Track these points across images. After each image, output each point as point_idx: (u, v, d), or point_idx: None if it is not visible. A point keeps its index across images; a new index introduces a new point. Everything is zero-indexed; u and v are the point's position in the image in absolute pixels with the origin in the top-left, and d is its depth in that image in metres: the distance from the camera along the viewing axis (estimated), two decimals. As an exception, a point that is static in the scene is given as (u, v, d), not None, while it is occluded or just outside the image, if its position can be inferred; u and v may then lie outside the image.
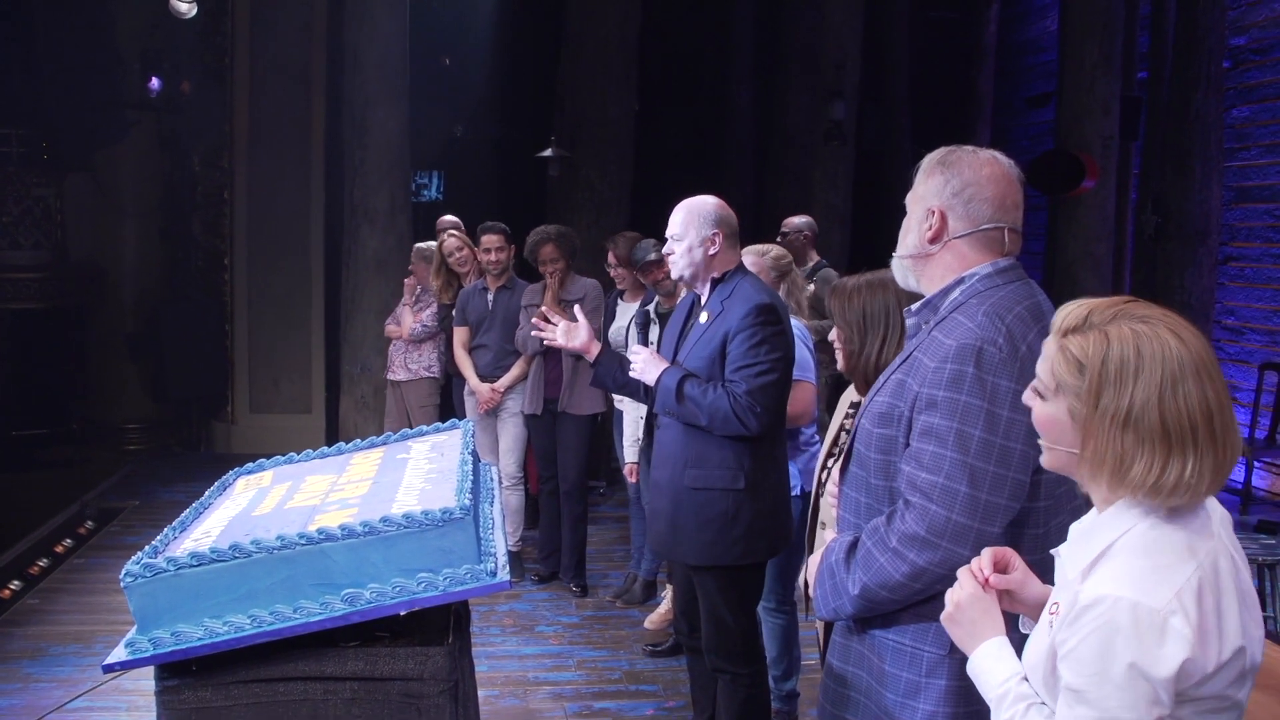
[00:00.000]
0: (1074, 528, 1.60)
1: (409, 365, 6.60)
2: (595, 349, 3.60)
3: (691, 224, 3.39)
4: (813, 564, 2.31)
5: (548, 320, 3.69)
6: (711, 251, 3.38)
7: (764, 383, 3.24)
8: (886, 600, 2.07)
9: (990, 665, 1.67)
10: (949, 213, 2.11)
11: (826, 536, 2.84)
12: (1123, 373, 1.47)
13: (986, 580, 1.71)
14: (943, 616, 1.75)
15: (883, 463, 2.12)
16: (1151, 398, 1.45)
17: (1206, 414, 1.45)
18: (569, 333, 3.60)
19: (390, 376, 6.68)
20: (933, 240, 2.13)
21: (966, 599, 1.70)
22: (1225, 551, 1.53)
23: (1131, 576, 1.45)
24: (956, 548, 1.96)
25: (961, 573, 1.73)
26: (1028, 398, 1.63)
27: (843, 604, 2.14)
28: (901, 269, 2.23)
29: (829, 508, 2.85)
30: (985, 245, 2.11)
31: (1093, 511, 1.58)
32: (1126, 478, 1.48)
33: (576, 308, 3.79)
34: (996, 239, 2.11)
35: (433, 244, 6.60)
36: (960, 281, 2.11)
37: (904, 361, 2.14)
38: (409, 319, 6.51)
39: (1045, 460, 1.62)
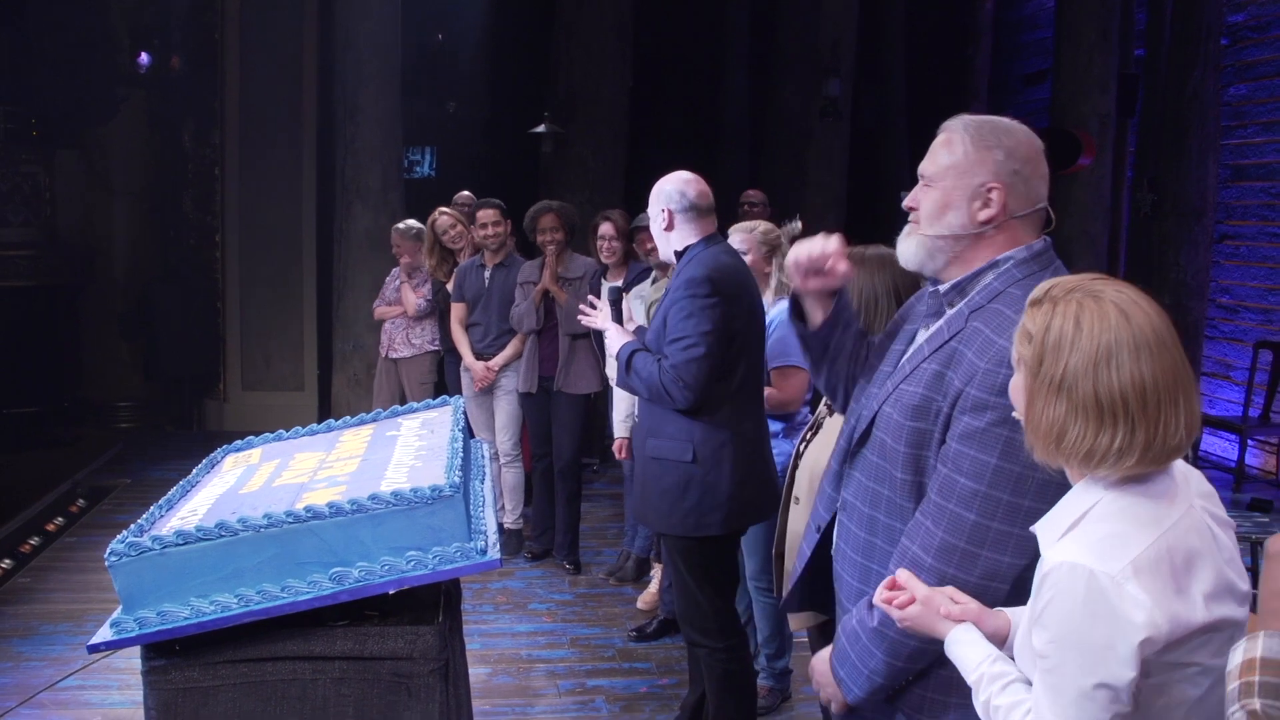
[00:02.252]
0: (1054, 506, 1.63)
1: (411, 341, 6.50)
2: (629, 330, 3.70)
3: (653, 204, 3.47)
4: (819, 663, 2.17)
5: (591, 306, 3.77)
6: (663, 226, 3.43)
7: (689, 356, 3.24)
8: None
9: (964, 651, 1.72)
10: (1010, 191, 1.96)
11: (798, 511, 2.81)
12: (1060, 343, 1.53)
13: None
14: (901, 623, 1.81)
15: (912, 457, 1.99)
16: (1086, 368, 1.50)
17: (1139, 389, 1.48)
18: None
19: (391, 355, 6.54)
20: (988, 220, 1.96)
21: (923, 594, 1.79)
22: (1201, 524, 1.54)
23: (1089, 543, 1.50)
24: (997, 555, 1.87)
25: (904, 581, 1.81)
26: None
27: (877, 661, 1.99)
28: (925, 248, 2.02)
29: (802, 483, 2.83)
30: (1035, 226, 2.00)
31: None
32: (1061, 444, 1.54)
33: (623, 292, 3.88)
34: (1040, 220, 2.01)
35: (411, 222, 6.56)
36: (994, 265, 1.98)
37: (938, 350, 1.99)
38: (411, 296, 6.43)
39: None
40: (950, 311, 2.02)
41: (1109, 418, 1.49)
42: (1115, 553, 1.47)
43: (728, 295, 3.30)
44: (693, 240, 3.42)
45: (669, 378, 3.24)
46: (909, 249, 2.06)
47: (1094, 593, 1.45)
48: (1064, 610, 1.47)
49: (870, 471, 2.09)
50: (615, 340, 3.50)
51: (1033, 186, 1.98)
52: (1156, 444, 1.50)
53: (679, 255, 3.44)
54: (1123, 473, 1.52)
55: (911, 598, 1.79)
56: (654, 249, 4.71)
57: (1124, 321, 1.50)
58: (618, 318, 3.63)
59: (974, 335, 1.94)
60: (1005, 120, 2.02)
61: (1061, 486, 1.86)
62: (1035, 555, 1.88)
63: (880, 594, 1.83)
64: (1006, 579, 1.88)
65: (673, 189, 3.41)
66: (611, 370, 5.39)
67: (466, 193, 7.10)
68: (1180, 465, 1.59)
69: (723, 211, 3.67)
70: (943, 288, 2.04)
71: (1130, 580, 1.45)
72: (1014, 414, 1.67)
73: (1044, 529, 1.61)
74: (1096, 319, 1.51)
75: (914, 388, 2.00)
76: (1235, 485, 7.47)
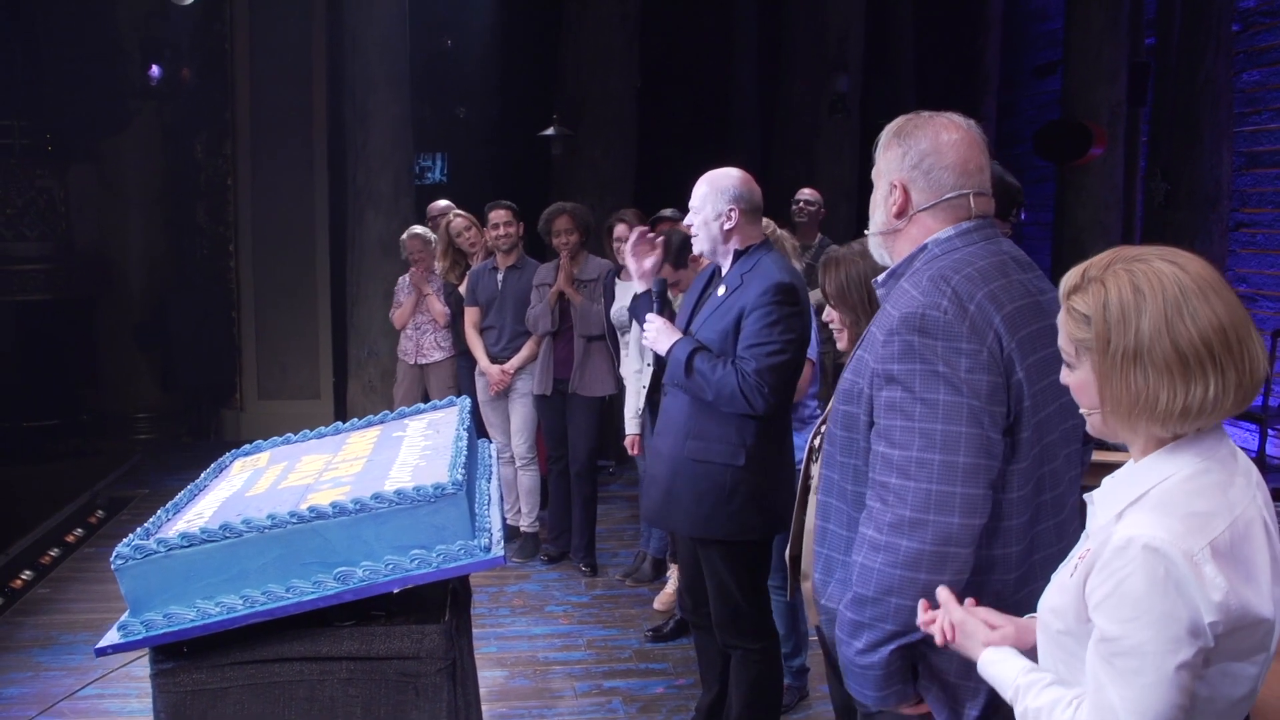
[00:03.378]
0: (1107, 479, 1.57)
1: (440, 344, 6.47)
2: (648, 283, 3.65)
3: (709, 197, 3.35)
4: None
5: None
6: (727, 226, 3.33)
7: (774, 363, 3.19)
8: (904, 608, 1.90)
9: (998, 670, 1.68)
10: (910, 186, 2.06)
11: (815, 501, 2.80)
12: (1125, 312, 1.46)
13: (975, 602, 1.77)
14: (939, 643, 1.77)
15: (847, 440, 2.08)
16: (1160, 327, 1.44)
17: (1219, 330, 1.43)
18: (644, 251, 3.68)
19: (420, 360, 6.51)
20: (898, 215, 2.08)
21: (958, 618, 1.75)
22: (1260, 517, 1.50)
23: (1166, 521, 1.42)
24: (945, 518, 1.87)
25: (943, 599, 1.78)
26: (1063, 377, 1.60)
27: (864, 657, 1.97)
28: (875, 246, 2.18)
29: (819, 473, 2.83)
30: (950, 214, 2.06)
31: (1129, 461, 1.56)
32: (1155, 411, 1.46)
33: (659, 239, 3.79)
34: (961, 206, 2.06)
35: (420, 230, 6.56)
36: (922, 249, 2.06)
37: (865, 336, 2.10)
38: (439, 305, 6.41)
39: (1091, 427, 1.59)
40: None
41: (1197, 368, 1.44)
42: (1195, 533, 1.41)
43: (804, 303, 3.33)
44: (754, 241, 3.38)
45: (751, 384, 3.17)
46: (870, 247, 2.22)
47: (1176, 571, 1.38)
48: (1143, 589, 1.40)
49: (826, 460, 2.18)
50: (666, 337, 3.38)
51: (935, 178, 2.05)
52: (1247, 381, 1.45)
53: (738, 255, 3.37)
54: (1219, 418, 1.47)
55: (947, 622, 1.76)
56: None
57: (1180, 272, 1.46)
58: (662, 311, 3.55)
59: (881, 315, 2.03)
60: (924, 115, 2.10)
61: (992, 441, 1.88)
62: (987, 514, 1.87)
63: (921, 616, 1.81)
64: (963, 541, 1.88)
65: (740, 188, 3.34)
66: (626, 370, 5.40)
67: (443, 202, 7.09)
68: (1241, 455, 1.56)
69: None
70: (880, 278, 2.14)
71: (1208, 562, 1.40)
72: (1082, 411, 1.60)
73: (1101, 499, 1.56)
74: (1154, 277, 1.46)
75: (848, 374, 2.11)
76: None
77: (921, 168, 2.05)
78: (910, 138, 2.07)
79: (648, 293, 3.60)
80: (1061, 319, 1.56)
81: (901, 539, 1.90)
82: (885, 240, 2.14)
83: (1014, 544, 1.95)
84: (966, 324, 1.91)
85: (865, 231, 2.20)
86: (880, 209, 2.12)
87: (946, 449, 1.88)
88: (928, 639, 1.85)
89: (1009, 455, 1.94)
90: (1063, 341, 1.57)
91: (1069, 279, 1.56)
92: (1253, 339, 1.46)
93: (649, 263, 3.62)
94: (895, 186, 2.08)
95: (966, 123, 2.09)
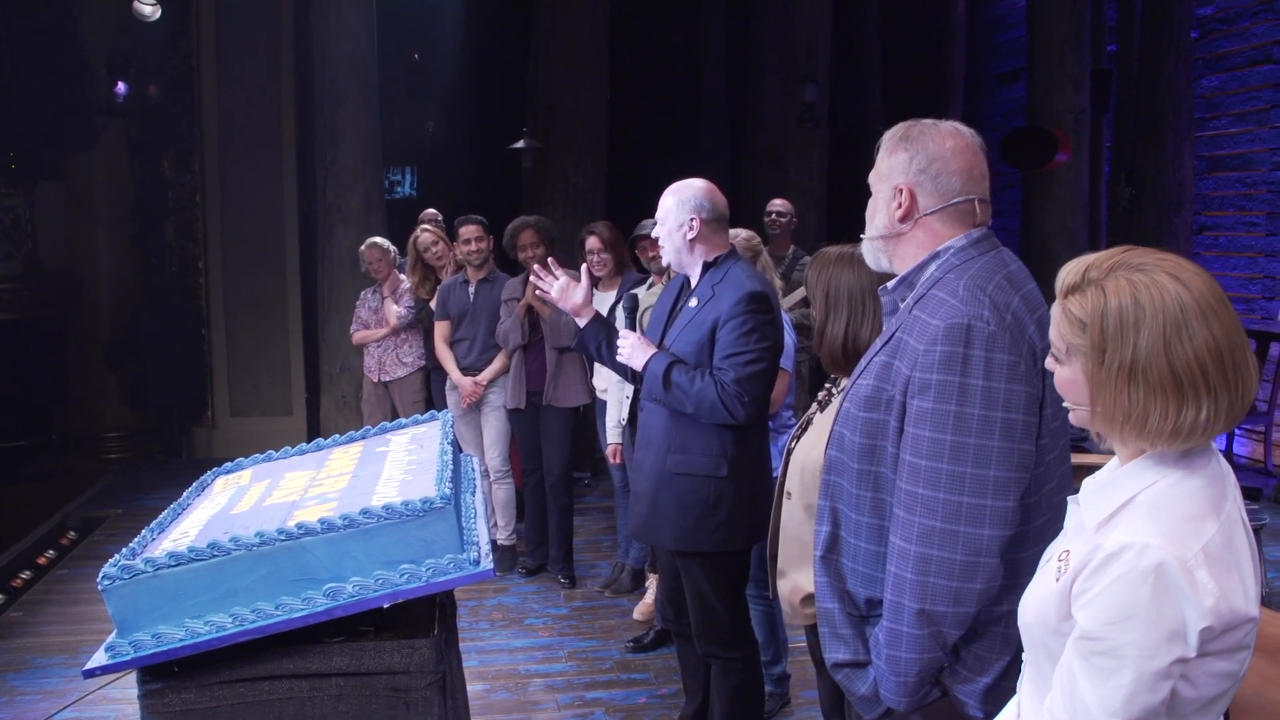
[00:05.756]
0: (1090, 480, 1.57)
1: (403, 360, 6.48)
2: (589, 313, 3.56)
3: (673, 209, 3.36)
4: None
5: (550, 272, 3.59)
6: (690, 236, 3.34)
7: (752, 371, 3.21)
8: (945, 615, 1.94)
9: None
10: (918, 189, 2.07)
11: (790, 506, 2.82)
12: (1123, 325, 1.45)
13: None
14: None
15: (868, 447, 2.06)
16: (1157, 346, 1.43)
17: (1215, 354, 1.42)
18: (566, 290, 3.53)
19: (384, 378, 6.52)
20: (903, 219, 2.09)
21: None
22: (1240, 517, 1.52)
23: (1161, 527, 1.43)
24: (975, 530, 1.90)
25: None
26: (1049, 364, 1.60)
27: (897, 663, 1.99)
28: (872, 250, 2.17)
29: (794, 478, 2.84)
30: (957, 219, 2.08)
31: (1112, 463, 1.56)
32: (1144, 429, 1.46)
33: (583, 267, 3.73)
34: (967, 211, 2.08)
35: (378, 240, 6.57)
36: (935, 256, 2.07)
37: (887, 343, 2.09)
38: (394, 307, 6.42)
39: (1074, 419, 1.60)
40: (903, 305, 2.11)
41: (1190, 390, 1.42)
42: (1189, 539, 1.42)
43: (776, 310, 3.34)
44: (720, 251, 3.39)
45: (730, 394, 3.17)
46: (864, 253, 2.22)
47: (1169, 576, 1.39)
48: (1132, 593, 1.40)
49: (835, 468, 2.16)
50: (642, 353, 3.37)
51: (942, 183, 2.07)
52: (1238, 404, 1.45)
53: (707, 266, 3.38)
54: (1204, 440, 1.47)
55: None
56: (655, 256, 4.70)
57: (1183, 289, 1.44)
58: (631, 325, 3.55)
59: (914, 322, 2.02)
60: (927, 122, 2.12)
61: (1025, 453, 1.89)
62: (1016, 524, 1.89)
63: None
64: (992, 552, 1.91)
65: (700, 197, 3.34)
66: (600, 382, 5.41)
67: (432, 210, 7.14)
68: (1220, 457, 1.56)
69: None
70: (890, 284, 2.15)
71: (1202, 567, 1.40)
72: (1065, 404, 1.60)
73: (1088, 501, 1.56)
74: (1156, 292, 1.44)
75: (866, 380, 2.09)
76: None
77: (929, 172, 2.07)
78: (917, 143, 2.08)
79: (591, 324, 3.56)
80: (1056, 315, 1.54)
81: (932, 549, 1.92)
82: (886, 244, 2.14)
83: (1030, 548, 1.97)
84: (1006, 334, 1.93)
85: (861, 236, 2.20)
86: (882, 213, 2.13)
87: (978, 462, 1.90)
88: (955, 644, 1.92)
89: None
90: (1054, 336, 1.56)
91: (1069, 275, 1.53)
92: (1247, 362, 1.46)
93: (579, 295, 3.54)
94: (900, 190, 2.08)
95: (969, 131, 2.12)
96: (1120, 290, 1.46)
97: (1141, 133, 8.62)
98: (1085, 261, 1.53)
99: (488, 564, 2.23)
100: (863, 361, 2.16)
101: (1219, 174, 8.54)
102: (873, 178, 2.16)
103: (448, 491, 2.25)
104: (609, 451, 5.22)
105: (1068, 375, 1.56)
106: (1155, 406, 1.44)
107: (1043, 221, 8.78)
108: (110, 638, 2.19)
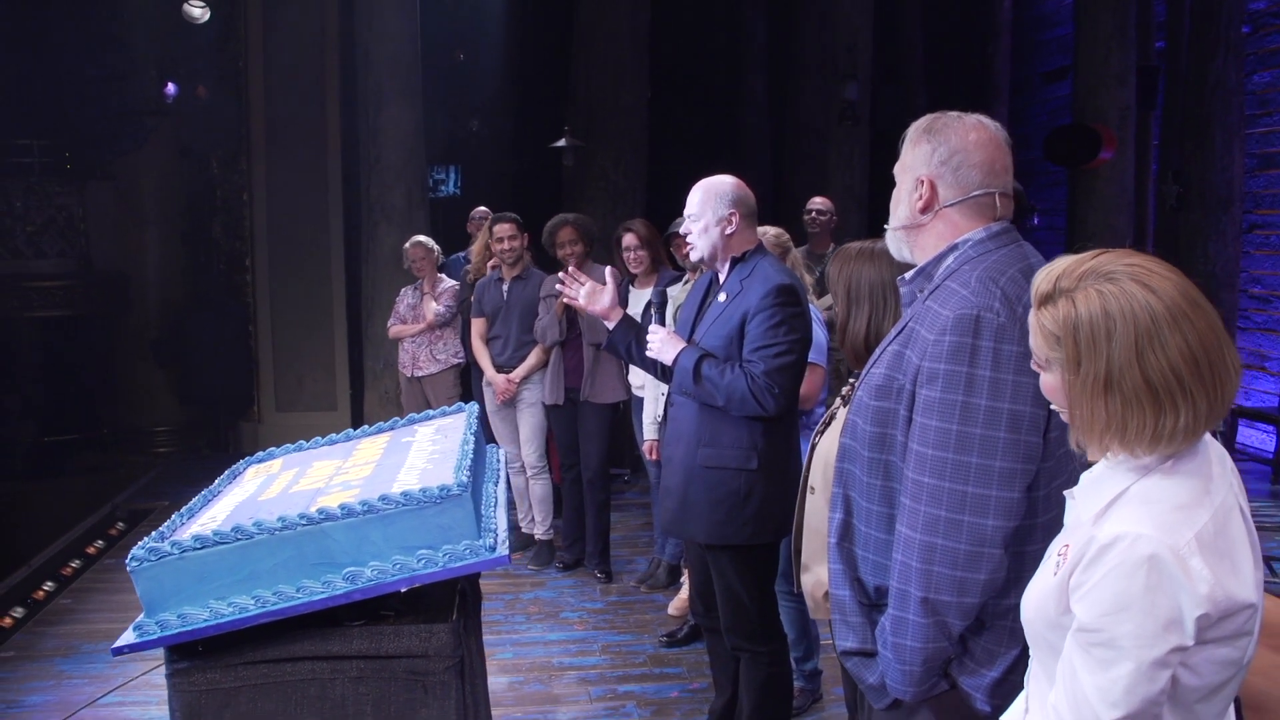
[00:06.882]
0: (1086, 474, 1.58)
1: (436, 356, 6.54)
2: (616, 315, 3.56)
3: (708, 203, 3.36)
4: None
5: (576, 280, 3.58)
6: (728, 231, 3.35)
7: (781, 364, 3.22)
8: (949, 604, 1.94)
9: None
10: (938, 181, 2.08)
11: (814, 500, 2.82)
12: (1095, 338, 1.45)
13: None
14: None
15: (878, 435, 2.07)
16: (1129, 357, 1.43)
17: (1190, 360, 1.42)
18: (593, 295, 3.53)
19: (416, 373, 6.57)
20: (924, 210, 2.10)
21: None
22: (1237, 503, 1.51)
23: (1153, 517, 1.43)
24: (979, 519, 1.91)
25: None
26: (1033, 366, 1.62)
27: (903, 652, 2.00)
28: (895, 241, 2.19)
29: (817, 472, 2.85)
30: (977, 212, 2.08)
31: (1106, 457, 1.56)
32: (1124, 437, 1.47)
33: (609, 270, 3.75)
34: (988, 205, 2.08)
35: (421, 238, 6.62)
36: (954, 248, 2.08)
37: (900, 332, 2.10)
38: (432, 304, 6.47)
39: (1065, 417, 1.60)
40: (920, 296, 2.11)
41: (1166, 399, 1.43)
42: (1181, 527, 1.42)
43: (804, 304, 3.35)
44: (749, 246, 3.41)
45: (760, 385, 3.19)
46: (888, 243, 2.23)
47: (1161, 566, 1.40)
48: (1126, 583, 1.41)
49: (847, 456, 2.17)
50: (671, 347, 3.37)
51: (963, 175, 2.07)
52: (1218, 405, 1.45)
53: (735, 261, 3.40)
54: (1186, 444, 1.47)
55: None
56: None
57: (1151, 296, 1.44)
58: (661, 321, 3.56)
59: (926, 312, 2.03)
60: (952, 115, 2.12)
61: (1031, 445, 1.89)
62: (1021, 516, 1.89)
63: None
64: (996, 543, 1.91)
65: (737, 193, 3.37)
66: (636, 378, 5.43)
67: (483, 209, 7.20)
68: (1213, 443, 1.56)
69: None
70: (908, 275, 2.16)
71: (1195, 555, 1.41)
72: (1052, 407, 1.61)
73: (1083, 496, 1.57)
74: (1124, 301, 1.44)
75: (879, 369, 2.09)
76: (1273, 477, 7.38)
77: (950, 164, 2.07)
78: (939, 134, 2.09)
79: (619, 325, 3.56)
80: (1033, 324, 1.56)
81: (937, 538, 1.93)
82: (908, 235, 2.15)
83: (1039, 541, 1.97)
84: (1016, 327, 1.92)
85: (884, 226, 2.21)
86: (904, 204, 2.14)
87: (984, 453, 1.91)
88: (960, 635, 1.92)
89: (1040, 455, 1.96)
90: (1033, 345, 1.57)
91: (1041, 282, 1.54)
92: (1224, 362, 1.45)
93: (606, 299, 3.54)
94: (922, 181, 2.09)
95: (994, 125, 2.12)
96: (1090, 301, 1.47)
97: (1189, 130, 8.50)
98: (1057, 269, 1.54)
99: (504, 550, 2.26)
100: (877, 351, 2.17)
101: (1271, 171, 8.39)
102: (898, 169, 2.17)
103: (465, 480, 2.28)
104: (645, 448, 5.25)
105: (1050, 382, 1.57)
106: (1133, 417, 1.45)
107: (1087, 220, 8.68)
108: (139, 617, 2.25)
